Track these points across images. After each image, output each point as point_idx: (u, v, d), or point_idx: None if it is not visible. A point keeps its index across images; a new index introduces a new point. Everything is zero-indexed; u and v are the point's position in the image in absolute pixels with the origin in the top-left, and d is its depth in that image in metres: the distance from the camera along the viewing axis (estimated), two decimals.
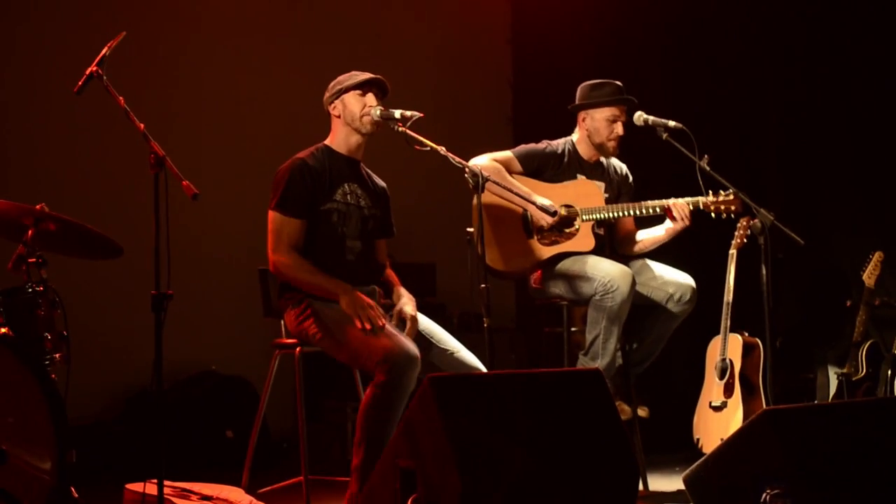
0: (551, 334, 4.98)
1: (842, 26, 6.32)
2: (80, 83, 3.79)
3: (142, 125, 3.70)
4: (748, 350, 5.21)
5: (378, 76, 4.35)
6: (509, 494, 3.17)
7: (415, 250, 6.62)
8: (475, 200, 4.27)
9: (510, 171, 4.77)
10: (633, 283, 4.56)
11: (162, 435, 4.14)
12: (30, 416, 3.55)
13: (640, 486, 4.69)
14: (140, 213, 4.01)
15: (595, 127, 4.86)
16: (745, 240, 5.14)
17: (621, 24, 7.12)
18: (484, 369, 4.16)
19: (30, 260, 3.82)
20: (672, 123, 4.60)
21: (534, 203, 4.59)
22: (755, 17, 6.69)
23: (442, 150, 4.15)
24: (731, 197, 4.63)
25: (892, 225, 6.04)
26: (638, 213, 4.75)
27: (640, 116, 4.73)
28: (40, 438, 3.53)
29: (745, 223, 5.10)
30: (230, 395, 5.88)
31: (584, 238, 4.74)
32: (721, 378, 5.20)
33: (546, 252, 4.76)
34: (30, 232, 3.83)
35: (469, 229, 4.58)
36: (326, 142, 4.40)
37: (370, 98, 4.29)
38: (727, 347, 5.20)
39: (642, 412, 4.86)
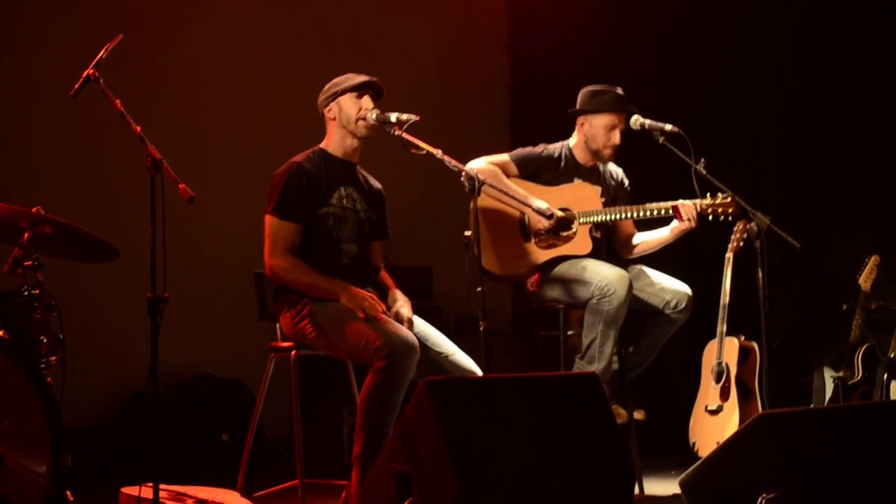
0: (548, 338, 4.98)
1: (839, 30, 6.33)
2: (76, 86, 3.78)
3: (138, 128, 3.70)
4: (744, 354, 5.21)
5: (374, 78, 4.35)
6: (505, 498, 3.17)
7: (411, 254, 6.61)
8: (472, 204, 4.27)
9: (507, 175, 4.77)
10: (630, 286, 4.56)
11: (158, 438, 4.13)
12: (25, 419, 3.54)
13: (636, 490, 4.70)
14: (136, 216, 4.00)
15: (593, 133, 4.86)
16: (741, 243, 5.14)
17: (618, 28, 7.12)
18: (480, 373, 4.17)
19: (26, 263, 3.81)
20: (668, 127, 4.61)
21: (530, 206, 4.59)
22: (752, 22, 6.70)
23: (438, 153, 4.14)
24: (728, 199, 4.63)
25: (889, 229, 6.04)
26: (634, 215, 4.76)
27: (636, 120, 4.73)
28: (36, 442, 3.52)
29: (741, 227, 5.10)
30: (226, 398, 5.87)
31: (581, 241, 4.74)
32: (717, 382, 5.20)
33: (543, 255, 4.76)
34: (26, 235, 3.82)
35: (466, 233, 4.57)
36: (322, 145, 4.39)
37: (366, 101, 4.29)
38: (723, 351, 5.20)
39: (638, 415, 4.86)
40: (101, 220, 4.98)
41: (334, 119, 4.33)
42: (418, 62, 7.33)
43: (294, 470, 4.35)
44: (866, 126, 6.23)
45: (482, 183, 4.18)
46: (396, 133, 4.18)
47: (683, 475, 3.43)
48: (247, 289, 4.74)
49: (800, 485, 3.07)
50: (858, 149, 6.28)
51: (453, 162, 4.17)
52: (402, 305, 4.27)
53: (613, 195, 4.96)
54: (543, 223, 4.67)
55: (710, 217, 4.69)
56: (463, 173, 4.18)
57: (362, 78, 4.32)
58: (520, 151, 4.90)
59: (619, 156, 4.93)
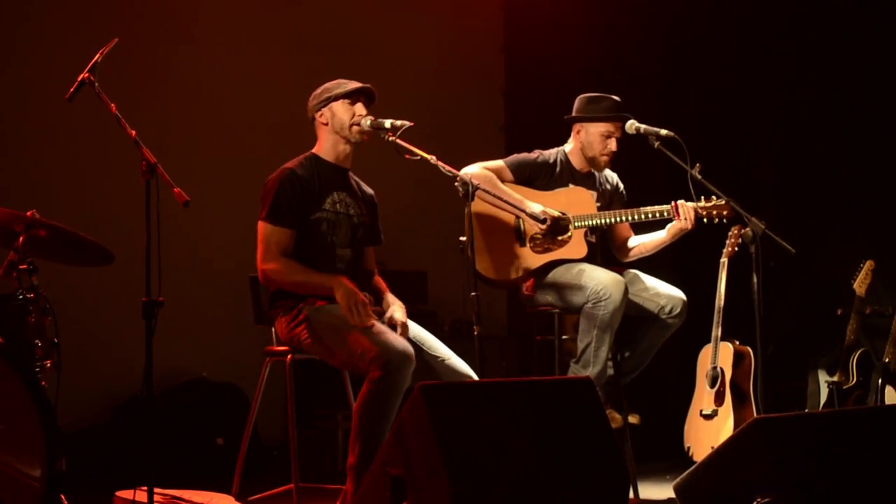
0: (543, 342, 4.98)
1: (836, 37, 6.34)
2: (71, 90, 3.78)
3: (133, 132, 3.70)
4: (739, 358, 5.21)
5: (367, 85, 4.34)
6: (500, 502, 3.17)
7: (407, 258, 6.62)
8: (466, 209, 4.27)
9: (502, 180, 4.77)
10: (626, 291, 4.57)
11: (152, 442, 4.13)
12: (20, 423, 3.54)
13: (631, 494, 4.69)
14: (131, 219, 4.00)
15: (589, 141, 4.87)
16: (736, 248, 5.15)
17: (614, 32, 7.14)
18: (475, 377, 4.16)
19: (20, 266, 3.81)
20: (664, 132, 4.60)
21: (524, 210, 4.59)
22: (749, 27, 6.71)
23: (432, 159, 4.15)
24: (723, 202, 4.64)
25: (883, 234, 6.06)
26: (629, 218, 4.76)
27: (631, 125, 4.73)
28: (30, 446, 3.52)
29: (736, 231, 5.12)
30: (221, 402, 5.87)
31: (576, 245, 4.74)
32: (712, 386, 5.20)
33: (538, 260, 4.76)
34: (21, 238, 3.82)
35: (461, 238, 4.57)
36: (314, 150, 4.39)
37: (359, 107, 4.29)
38: (718, 356, 5.21)
39: (633, 419, 4.86)
40: (97, 223, 4.97)
41: (326, 124, 4.32)
42: (414, 66, 7.34)
43: (289, 474, 4.34)
44: (861, 132, 6.24)
45: (475, 188, 4.19)
46: (390, 139, 4.18)
47: (678, 480, 3.43)
48: (242, 293, 4.73)
49: (794, 489, 3.07)
50: (853, 154, 6.29)
51: (447, 167, 4.17)
52: (397, 310, 4.27)
53: (609, 199, 4.97)
54: (538, 227, 4.67)
55: (705, 219, 4.70)
56: (456, 179, 4.18)
57: (355, 84, 4.31)
58: (514, 157, 4.90)
59: (614, 160, 4.93)
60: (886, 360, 5.48)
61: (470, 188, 4.14)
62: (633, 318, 4.73)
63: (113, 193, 5.81)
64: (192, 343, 6.05)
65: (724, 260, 5.22)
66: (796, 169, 6.54)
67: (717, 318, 5.21)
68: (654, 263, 4.93)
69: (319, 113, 4.33)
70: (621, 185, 5.05)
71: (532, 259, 4.77)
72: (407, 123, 4.17)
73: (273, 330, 4.40)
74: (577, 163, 4.93)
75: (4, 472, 3.47)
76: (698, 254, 5.63)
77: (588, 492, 3.36)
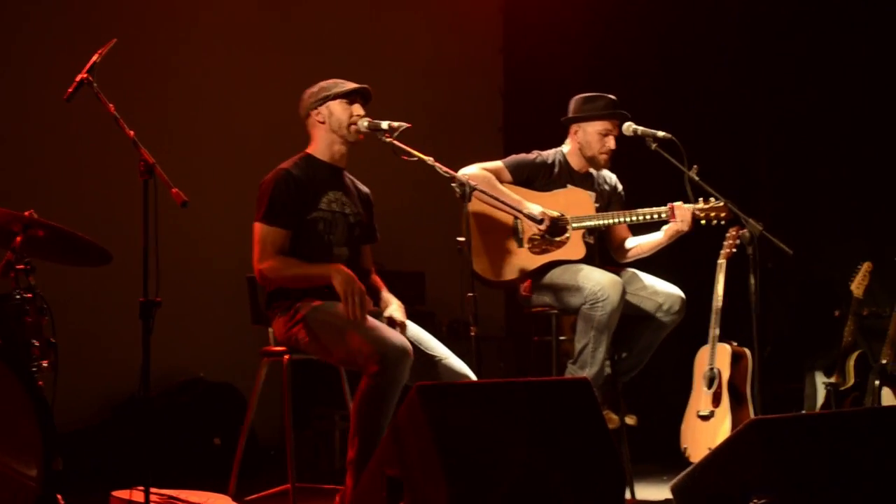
0: (540, 343, 4.98)
1: (834, 39, 6.34)
2: (69, 90, 3.78)
3: (131, 132, 3.70)
4: (736, 359, 5.22)
5: (365, 86, 4.34)
6: (497, 503, 3.17)
7: (404, 258, 6.62)
8: (464, 209, 4.27)
9: (500, 181, 4.77)
10: (623, 292, 4.57)
11: (149, 442, 4.13)
12: (17, 423, 3.53)
13: (627, 495, 4.69)
14: (129, 220, 4.00)
15: (587, 140, 4.87)
16: (733, 249, 5.16)
17: (613, 34, 7.14)
18: (473, 377, 4.16)
19: (18, 266, 3.80)
20: (661, 133, 4.61)
21: (522, 211, 4.60)
22: (747, 29, 6.72)
23: (430, 160, 4.15)
24: (721, 204, 4.64)
25: (881, 235, 6.06)
26: (627, 220, 4.76)
27: (629, 126, 4.73)
28: (27, 446, 3.52)
29: (733, 233, 5.12)
30: (218, 402, 5.87)
31: (574, 246, 4.74)
32: (709, 387, 5.20)
33: (536, 261, 4.76)
34: (18, 238, 3.82)
35: (459, 238, 4.57)
36: (308, 150, 4.38)
37: (357, 108, 4.29)
38: (715, 357, 5.21)
39: (630, 420, 4.86)
40: (94, 223, 4.97)
41: (323, 123, 4.31)
42: (412, 67, 7.34)
43: (286, 474, 4.34)
44: (860, 133, 6.25)
45: (472, 189, 4.19)
46: (388, 140, 4.18)
47: (675, 481, 3.43)
48: (239, 293, 4.73)
49: (791, 490, 3.07)
50: (852, 156, 6.30)
51: (444, 168, 4.17)
52: (396, 310, 4.27)
53: (607, 200, 4.97)
54: (536, 228, 4.67)
55: (703, 222, 4.70)
56: (454, 180, 4.18)
57: (353, 85, 4.31)
58: (513, 158, 4.91)
59: (612, 162, 4.93)
60: (883, 361, 5.49)
61: (467, 189, 4.14)
62: (631, 317, 4.74)
63: (111, 194, 5.81)
64: (190, 343, 6.04)
65: (721, 261, 5.23)
66: (794, 170, 6.54)
67: (714, 319, 5.21)
68: (653, 264, 4.93)
69: (316, 111, 4.32)
70: (620, 186, 5.05)
71: (530, 260, 4.77)
72: (404, 125, 4.17)
73: (270, 330, 4.39)
74: (576, 163, 4.93)
75: (1, 471, 3.46)
76: (696, 255, 5.63)
77: (585, 492, 3.35)
